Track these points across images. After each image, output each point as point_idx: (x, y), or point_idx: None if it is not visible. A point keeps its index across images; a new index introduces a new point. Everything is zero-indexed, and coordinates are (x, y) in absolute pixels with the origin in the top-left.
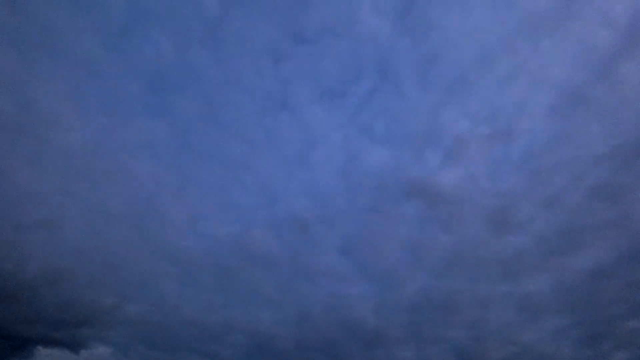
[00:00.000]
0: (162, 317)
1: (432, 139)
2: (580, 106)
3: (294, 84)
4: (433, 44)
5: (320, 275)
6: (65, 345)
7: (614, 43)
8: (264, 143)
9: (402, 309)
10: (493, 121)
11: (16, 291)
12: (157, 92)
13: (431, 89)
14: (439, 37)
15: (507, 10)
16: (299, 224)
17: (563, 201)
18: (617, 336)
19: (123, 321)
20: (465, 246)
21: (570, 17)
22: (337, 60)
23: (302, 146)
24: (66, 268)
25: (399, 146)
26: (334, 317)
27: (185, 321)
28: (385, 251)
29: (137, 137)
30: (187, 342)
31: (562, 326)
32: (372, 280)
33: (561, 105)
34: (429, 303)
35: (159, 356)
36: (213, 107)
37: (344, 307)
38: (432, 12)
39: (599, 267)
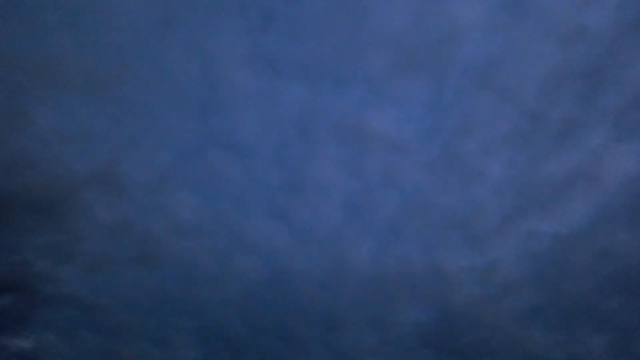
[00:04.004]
0: (95, 295)
1: (350, 69)
2: (520, 14)
3: None
4: None
5: (257, 246)
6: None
7: None
8: (157, 78)
9: (353, 285)
10: (422, 43)
11: None
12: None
13: (341, 5)
14: None
15: None
16: (220, 182)
17: (517, 141)
18: (594, 317)
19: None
20: (413, 202)
21: None
22: None
23: (204, 83)
24: None
25: (314, 80)
26: (281, 296)
27: (120, 301)
28: (320, 212)
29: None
30: (131, 325)
31: (532, 305)
32: (312, 250)
33: (498, 15)
34: (382, 278)
35: (106, 343)
36: (79, 23)
37: (289, 285)
38: None
39: (569, 230)
